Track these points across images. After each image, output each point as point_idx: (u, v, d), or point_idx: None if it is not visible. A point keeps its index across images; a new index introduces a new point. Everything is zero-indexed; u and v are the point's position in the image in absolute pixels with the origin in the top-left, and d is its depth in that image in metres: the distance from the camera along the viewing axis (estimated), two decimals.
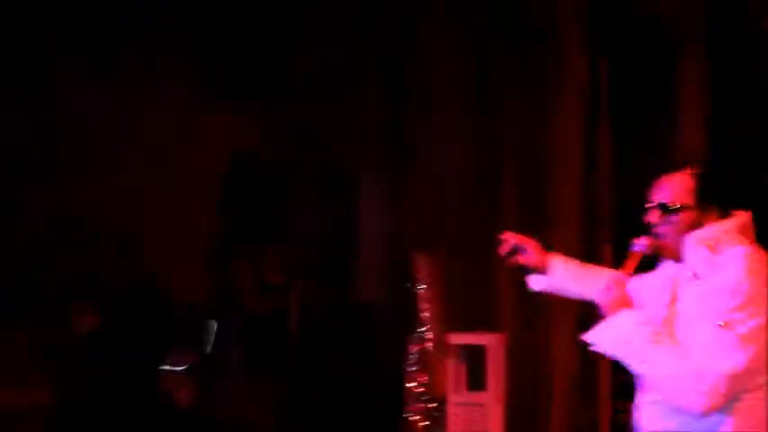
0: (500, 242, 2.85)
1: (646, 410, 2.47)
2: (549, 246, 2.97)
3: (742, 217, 2.45)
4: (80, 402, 6.15)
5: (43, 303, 6.41)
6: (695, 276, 2.40)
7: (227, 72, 8.19)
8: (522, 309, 5.69)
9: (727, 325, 2.26)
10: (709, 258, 2.37)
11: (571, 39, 5.39)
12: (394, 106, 6.16)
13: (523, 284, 3.00)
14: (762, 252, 2.42)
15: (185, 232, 7.34)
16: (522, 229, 3.05)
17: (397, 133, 6.16)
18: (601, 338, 2.40)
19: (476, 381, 5.55)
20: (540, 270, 2.86)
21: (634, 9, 5.25)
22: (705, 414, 2.28)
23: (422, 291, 5.32)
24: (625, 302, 2.44)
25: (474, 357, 5.53)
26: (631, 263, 2.49)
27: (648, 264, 2.61)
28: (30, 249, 7.11)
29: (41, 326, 6.18)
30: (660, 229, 2.47)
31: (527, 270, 2.85)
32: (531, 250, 2.85)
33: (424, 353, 4.77)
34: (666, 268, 2.56)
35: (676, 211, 2.43)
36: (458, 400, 5.43)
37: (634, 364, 2.37)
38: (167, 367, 6.57)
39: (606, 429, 5.45)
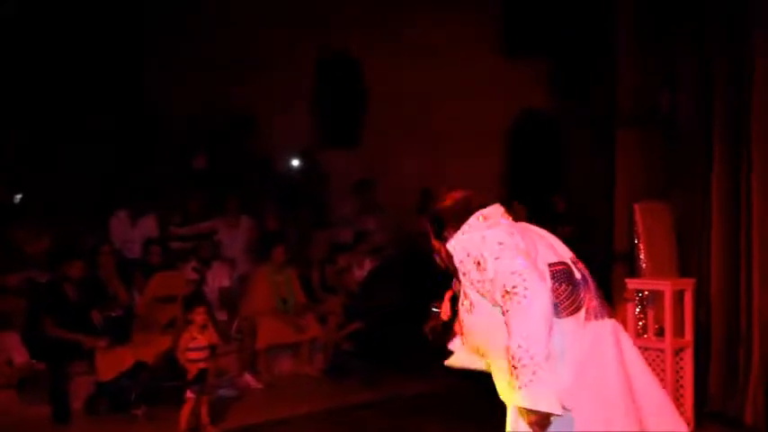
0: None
1: None
2: None
3: (481, 215, 2.93)
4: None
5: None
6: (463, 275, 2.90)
7: (519, 32, 8.67)
8: (721, 254, 5.60)
9: (508, 293, 2.72)
10: (466, 260, 2.89)
11: None
12: None
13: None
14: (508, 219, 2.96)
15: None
16: None
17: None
18: None
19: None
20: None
21: None
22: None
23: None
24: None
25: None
26: (446, 305, 3.17)
27: None
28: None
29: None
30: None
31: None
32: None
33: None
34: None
35: (438, 253, 3.05)
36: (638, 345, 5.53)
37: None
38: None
39: None
